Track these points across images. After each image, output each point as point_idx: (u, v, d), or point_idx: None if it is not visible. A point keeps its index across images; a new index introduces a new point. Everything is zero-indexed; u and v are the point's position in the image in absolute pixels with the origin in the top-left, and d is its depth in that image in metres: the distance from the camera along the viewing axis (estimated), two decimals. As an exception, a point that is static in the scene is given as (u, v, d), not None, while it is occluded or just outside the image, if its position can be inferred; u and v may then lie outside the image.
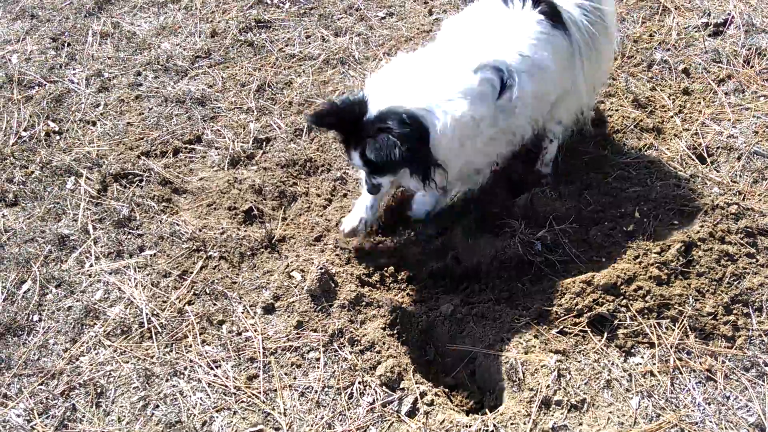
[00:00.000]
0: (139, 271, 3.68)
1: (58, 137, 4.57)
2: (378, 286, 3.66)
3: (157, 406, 3.14)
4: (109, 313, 3.49)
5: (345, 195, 4.11)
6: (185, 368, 3.26)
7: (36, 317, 3.51)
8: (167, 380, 3.22)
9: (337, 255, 3.71)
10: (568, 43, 3.51)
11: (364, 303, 3.45)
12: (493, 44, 3.33)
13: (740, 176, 3.92)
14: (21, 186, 4.18)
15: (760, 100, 4.38)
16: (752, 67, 4.61)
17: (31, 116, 4.69)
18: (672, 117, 4.35)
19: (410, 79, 3.24)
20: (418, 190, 3.67)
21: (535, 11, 3.40)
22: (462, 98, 3.20)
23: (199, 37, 5.37)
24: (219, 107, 4.74)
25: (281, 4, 5.65)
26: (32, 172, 4.26)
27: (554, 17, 3.44)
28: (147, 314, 3.46)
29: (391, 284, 3.70)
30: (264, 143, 4.48)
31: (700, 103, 4.43)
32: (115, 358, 3.31)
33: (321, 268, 3.50)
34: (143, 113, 4.72)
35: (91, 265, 3.73)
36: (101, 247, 3.81)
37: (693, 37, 4.87)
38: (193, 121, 4.63)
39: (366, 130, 3.11)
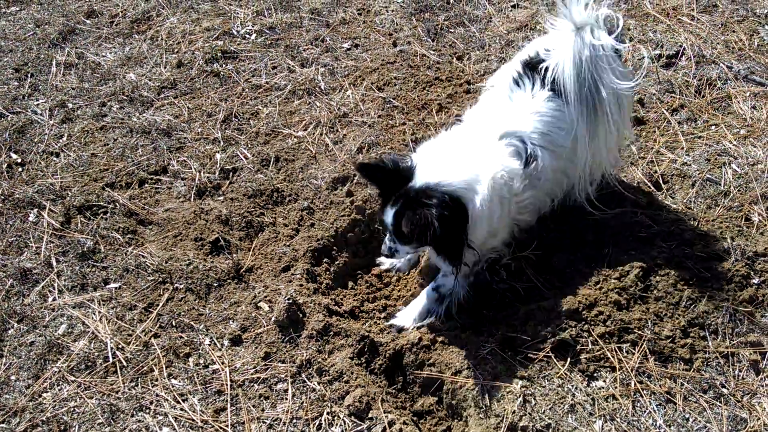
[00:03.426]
0: (103, 305, 3.64)
1: (20, 169, 4.52)
2: (346, 315, 3.68)
3: (123, 442, 3.10)
4: (72, 347, 3.44)
5: (312, 225, 4.13)
6: (151, 402, 3.22)
7: (-3, 353, 3.45)
8: (133, 415, 3.18)
9: (304, 285, 3.73)
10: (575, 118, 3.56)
11: (332, 333, 3.46)
12: (513, 120, 3.50)
13: (694, 203, 4.06)
14: (-18, 219, 4.11)
15: (711, 128, 4.56)
16: (703, 96, 4.80)
17: (-8, 148, 4.64)
18: (628, 146, 4.49)
19: (452, 153, 3.37)
20: (442, 268, 3.69)
21: (544, 90, 3.51)
22: (494, 161, 3.37)
23: (165, 67, 5.38)
24: (185, 138, 4.75)
25: (247, 35, 5.70)
26: (-7, 205, 4.21)
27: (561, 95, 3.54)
28: (112, 348, 3.43)
29: (359, 314, 3.72)
30: (231, 173, 4.49)
31: (654, 131, 4.59)
32: (79, 394, 3.26)
33: (288, 299, 3.52)
34: (108, 144, 4.70)
35: (54, 299, 3.68)
36: (65, 280, 3.77)
37: (647, 69, 5.06)
38: (159, 152, 4.62)
39: (409, 197, 3.19)
